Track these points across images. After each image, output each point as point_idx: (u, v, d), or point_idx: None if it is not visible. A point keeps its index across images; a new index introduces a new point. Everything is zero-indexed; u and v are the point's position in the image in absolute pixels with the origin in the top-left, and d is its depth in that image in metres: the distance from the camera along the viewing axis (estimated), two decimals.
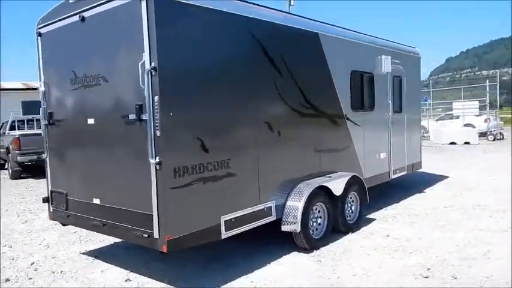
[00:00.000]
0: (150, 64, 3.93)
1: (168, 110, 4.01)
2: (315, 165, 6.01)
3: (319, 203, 5.75)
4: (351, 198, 6.49)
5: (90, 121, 4.77)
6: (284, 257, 5.40)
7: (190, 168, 4.24)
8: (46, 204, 5.64)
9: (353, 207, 6.49)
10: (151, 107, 3.97)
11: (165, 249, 4.07)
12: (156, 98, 3.94)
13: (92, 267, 5.33)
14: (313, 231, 5.68)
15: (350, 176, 6.33)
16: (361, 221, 6.66)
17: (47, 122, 5.39)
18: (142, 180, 4.14)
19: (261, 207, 5.10)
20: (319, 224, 5.81)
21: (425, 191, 9.23)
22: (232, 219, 4.72)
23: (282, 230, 5.38)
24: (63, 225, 5.62)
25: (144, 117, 4.06)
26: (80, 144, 4.99)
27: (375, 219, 6.99)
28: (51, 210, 5.53)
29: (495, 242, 5.68)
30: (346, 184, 6.16)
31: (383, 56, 7.57)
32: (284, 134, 5.43)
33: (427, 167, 12.24)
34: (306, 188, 5.50)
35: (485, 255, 5.26)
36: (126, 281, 4.86)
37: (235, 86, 4.75)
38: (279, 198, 5.38)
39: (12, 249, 6.21)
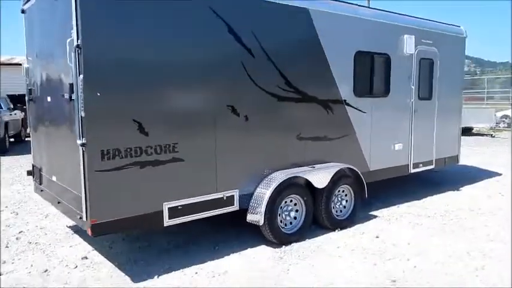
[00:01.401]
0: (77, 42, 3.79)
1: (94, 90, 3.85)
2: (297, 155, 5.53)
3: (295, 195, 5.29)
4: (342, 191, 5.90)
5: (48, 98, 4.81)
6: (249, 249, 5.08)
7: (124, 151, 4.08)
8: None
9: (344, 202, 5.90)
10: (77, 87, 3.85)
11: (90, 233, 3.99)
12: (81, 77, 3.80)
13: (65, 241, 5.48)
14: (285, 224, 5.26)
15: (340, 168, 5.73)
16: (357, 218, 6.04)
17: (28, 98, 5.57)
18: (75, 161, 4.07)
19: (218, 195, 4.80)
20: (295, 218, 5.36)
21: (461, 188, 8.15)
22: (179, 207, 4.50)
23: (247, 220, 5.05)
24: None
25: (73, 96, 3.96)
26: (44, 121, 5.08)
27: (377, 217, 6.32)
28: (34, 183, 5.77)
29: (496, 257, 4.81)
30: (333, 176, 5.59)
31: (405, 36, 6.68)
32: (254, 119, 5.02)
33: (483, 162, 10.91)
34: (277, 178, 5.08)
35: (475, 271, 4.46)
36: (82, 258, 4.90)
37: (185, 66, 4.43)
38: (246, 187, 5.03)
39: (15, 216, 6.63)
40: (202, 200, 4.67)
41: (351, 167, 5.91)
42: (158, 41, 4.22)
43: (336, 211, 5.83)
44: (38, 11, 4.95)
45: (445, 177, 9.15)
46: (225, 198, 4.86)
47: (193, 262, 4.72)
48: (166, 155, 4.37)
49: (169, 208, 4.43)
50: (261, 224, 4.95)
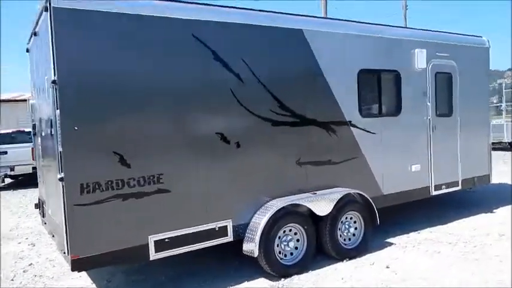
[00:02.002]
0: (53, 77, 3.83)
1: (71, 124, 3.86)
2: (297, 181, 5.27)
3: (294, 224, 5.02)
4: (351, 218, 5.55)
5: (43, 133, 4.90)
6: (246, 282, 4.84)
7: (104, 184, 4.03)
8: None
9: (352, 230, 5.52)
10: (55, 121, 3.87)
11: (71, 268, 3.94)
12: (57, 112, 3.83)
13: (68, 274, 5.48)
14: (285, 255, 4.99)
15: (345, 193, 5.41)
16: (369, 246, 5.64)
17: (32, 133, 5.74)
18: (59, 196, 4.07)
19: (210, 226, 4.63)
20: (296, 248, 5.07)
21: (494, 210, 7.48)
22: (166, 239, 4.37)
23: (243, 251, 4.83)
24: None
25: (53, 131, 3.98)
26: (42, 155, 5.18)
27: (392, 244, 5.87)
28: (40, 216, 5.87)
29: None
30: (338, 202, 5.27)
31: (416, 50, 6.33)
32: (246, 145, 4.86)
33: None
34: (273, 206, 4.84)
35: None
36: None
37: (168, 95, 4.37)
38: (241, 216, 4.83)
39: (31, 248, 6.77)
40: (192, 231, 4.52)
41: (359, 191, 5.56)
42: (139, 71, 4.20)
43: (344, 239, 5.47)
44: (35, 49, 5.12)
45: (479, 197, 8.47)
46: (217, 228, 4.68)
47: None
48: (151, 186, 4.28)
49: (155, 241, 4.30)
50: (255, 255, 4.71)
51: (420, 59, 6.33)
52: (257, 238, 4.69)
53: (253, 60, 4.87)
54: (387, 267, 5.07)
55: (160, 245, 4.33)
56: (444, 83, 6.86)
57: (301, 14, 5.42)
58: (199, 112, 4.56)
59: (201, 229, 4.57)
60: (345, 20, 5.82)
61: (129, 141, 4.15)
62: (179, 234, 4.44)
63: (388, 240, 6.07)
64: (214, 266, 5.32)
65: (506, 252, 5.40)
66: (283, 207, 4.88)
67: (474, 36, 7.45)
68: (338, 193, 5.34)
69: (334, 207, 5.25)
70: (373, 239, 6.01)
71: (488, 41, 7.50)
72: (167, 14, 4.33)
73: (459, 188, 7.07)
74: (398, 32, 6.32)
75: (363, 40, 5.85)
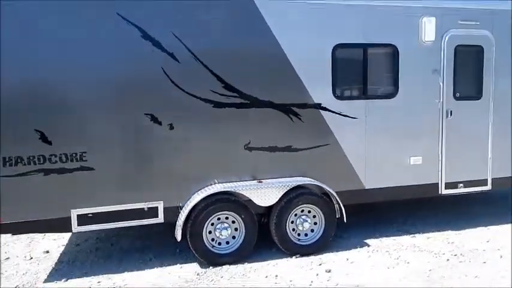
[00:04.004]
0: None
1: None
2: (245, 167, 4.92)
3: (230, 212, 4.76)
4: (309, 212, 5.02)
5: None
6: (178, 265, 4.82)
7: (26, 159, 4.35)
8: None
9: (307, 225, 4.98)
10: None
11: None
12: None
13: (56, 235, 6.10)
14: (219, 243, 4.79)
15: (299, 183, 4.90)
16: (328, 244, 5.06)
17: None
18: None
19: (138, 206, 4.67)
20: (234, 237, 4.82)
21: None
22: (89, 214, 4.55)
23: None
24: None
25: None
26: None
27: (365, 246, 5.17)
28: None
29: None
30: (287, 193, 4.82)
31: (424, 19, 5.23)
32: (181, 127, 4.69)
33: None
34: (202, 193, 4.66)
35: None
36: (44, 252, 5.38)
37: (92, 76, 4.42)
38: (174, 199, 4.75)
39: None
40: (118, 209, 4.62)
41: (317, 183, 4.97)
42: (62, 48, 4.31)
43: (299, 234, 5.00)
44: None
45: None
46: (146, 209, 4.70)
47: (113, 270, 4.74)
48: (73, 163, 4.47)
49: (78, 215, 4.53)
50: (178, 240, 4.63)
51: (428, 29, 5.21)
52: (180, 223, 4.60)
53: (190, 37, 4.60)
54: (328, 271, 4.51)
55: (83, 219, 4.54)
56: (471, 58, 5.55)
57: None
58: (124, 92, 4.54)
59: (128, 208, 4.64)
60: None
61: (50, 120, 4.37)
62: (104, 210, 4.59)
63: (367, 240, 5.35)
64: (169, 244, 5.34)
65: (482, 271, 4.33)
66: (214, 194, 4.66)
67: None
68: (289, 183, 4.87)
69: (281, 199, 4.82)
70: (350, 236, 5.42)
71: None
72: None
73: (488, 188, 5.78)
74: None
75: (340, 10, 5.04)
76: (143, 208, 4.69)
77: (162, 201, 4.73)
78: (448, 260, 4.71)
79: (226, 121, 4.83)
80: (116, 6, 4.42)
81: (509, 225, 5.77)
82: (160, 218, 4.76)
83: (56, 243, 5.64)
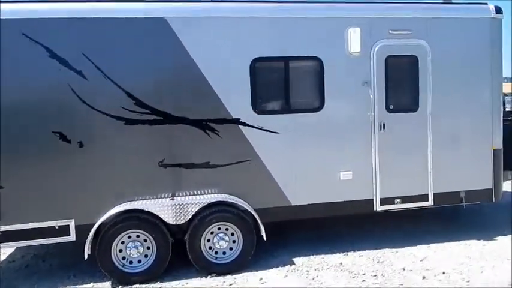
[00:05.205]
0: None
1: None
2: (160, 184, 4.84)
3: (141, 231, 4.68)
4: (226, 230, 4.88)
5: None
6: (91, 283, 4.77)
7: None
8: None
9: (224, 243, 4.84)
10: None
11: None
12: None
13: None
14: (131, 262, 4.72)
15: (215, 200, 4.79)
16: (247, 262, 4.91)
17: None
18: None
19: (49, 224, 4.66)
20: (146, 256, 4.74)
21: (496, 238, 5.60)
22: None
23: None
24: None
25: None
26: None
27: (287, 265, 4.98)
28: None
29: None
30: (201, 210, 4.71)
31: (350, 30, 5.04)
32: (91, 145, 4.67)
33: None
34: (112, 210, 4.61)
35: None
36: None
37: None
38: (86, 218, 4.70)
39: None
40: (27, 227, 4.62)
41: (234, 199, 4.84)
42: None
43: (216, 252, 4.87)
44: None
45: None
46: (57, 227, 4.69)
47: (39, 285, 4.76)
48: None
49: None
50: (85, 258, 4.58)
51: (353, 41, 5.02)
52: (87, 241, 4.56)
53: (98, 55, 4.60)
54: None
55: None
56: (404, 69, 5.32)
57: (166, 0, 4.84)
58: (32, 110, 4.55)
59: (38, 226, 4.64)
60: (229, 1, 4.97)
61: None
62: (14, 229, 4.60)
63: (296, 258, 5.17)
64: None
65: None
66: (123, 212, 4.61)
67: (470, 3, 5.52)
68: (200, 201, 4.76)
69: (194, 216, 4.72)
70: (280, 254, 5.27)
71: (497, 9, 5.44)
72: None
73: (430, 203, 5.49)
74: (318, 8, 5.09)
75: (256, 23, 4.93)
76: (54, 226, 4.68)
77: (73, 220, 4.71)
78: (363, 281, 4.48)
79: (139, 138, 4.78)
80: (22, 26, 4.46)
81: (453, 243, 5.46)
82: (72, 236, 4.73)
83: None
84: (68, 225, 4.71)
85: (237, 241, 4.91)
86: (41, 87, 4.56)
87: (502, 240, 5.48)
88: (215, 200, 4.81)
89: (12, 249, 5.86)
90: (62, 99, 4.60)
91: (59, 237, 4.72)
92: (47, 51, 4.52)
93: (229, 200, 4.86)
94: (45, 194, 4.64)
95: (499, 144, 5.63)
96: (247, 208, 4.85)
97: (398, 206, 5.40)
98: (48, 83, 4.57)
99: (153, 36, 4.74)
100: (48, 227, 4.67)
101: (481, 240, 5.49)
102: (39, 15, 4.49)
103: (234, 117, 4.94)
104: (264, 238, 4.89)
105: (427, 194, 5.47)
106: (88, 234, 4.65)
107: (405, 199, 5.40)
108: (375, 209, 5.36)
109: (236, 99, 4.93)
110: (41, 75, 4.55)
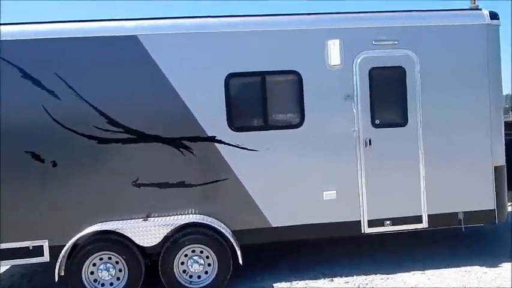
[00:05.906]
0: None
1: None
2: (134, 204, 4.73)
3: (112, 252, 4.56)
4: (201, 252, 4.69)
5: None
6: None
7: None
8: None
9: (198, 267, 4.64)
10: None
11: None
12: None
13: None
14: (102, 284, 4.60)
15: (188, 222, 4.61)
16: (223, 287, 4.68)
17: None
18: None
19: (22, 244, 4.64)
20: (118, 279, 4.61)
21: (501, 264, 5.10)
22: None
23: None
24: None
25: None
26: None
27: None
28: None
29: None
30: (172, 232, 4.56)
31: (329, 42, 4.84)
32: (65, 164, 4.64)
33: None
34: (83, 231, 4.53)
35: None
36: None
37: None
38: (60, 238, 4.64)
39: None
40: (0, 248, 4.61)
41: (209, 221, 4.65)
42: None
43: (191, 276, 4.68)
44: None
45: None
46: (31, 247, 4.65)
47: None
48: None
49: None
50: (56, 280, 4.50)
51: (333, 53, 4.80)
52: (58, 263, 4.49)
53: (71, 75, 4.61)
54: None
55: None
56: (390, 81, 5.03)
57: (137, 18, 4.81)
58: (5, 130, 4.56)
59: (11, 246, 4.62)
60: (201, 17, 4.89)
61: None
62: None
63: (278, 284, 4.89)
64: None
65: None
66: (98, 232, 4.53)
67: (462, 10, 5.19)
68: (171, 222, 4.60)
69: (166, 238, 4.56)
70: (263, 279, 5.02)
71: (492, 15, 5.08)
72: None
73: (424, 225, 5.09)
74: (295, 20, 4.92)
75: (229, 38, 4.81)
76: (28, 247, 4.65)
77: (47, 240, 4.66)
78: None
79: (112, 157, 4.72)
80: None
81: (451, 269, 5.02)
82: (46, 257, 4.68)
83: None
84: (42, 245, 4.66)
85: (212, 264, 4.71)
86: (14, 107, 4.60)
87: (506, 267, 4.98)
88: (188, 221, 4.65)
89: (6, 267, 5.89)
90: (34, 118, 4.62)
91: (33, 258, 4.68)
92: (20, 72, 4.58)
93: (203, 221, 4.67)
94: (19, 214, 4.63)
95: (501, 160, 5.19)
96: (222, 230, 4.64)
97: (388, 228, 5.04)
98: (21, 102, 4.60)
99: (125, 54, 4.71)
100: (22, 247, 4.64)
101: (483, 267, 5.01)
102: (11, 37, 4.56)
103: (209, 134, 4.80)
104: (240, 262, 4.65)
105: (421, 216, 5.08)
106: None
107: (396, 221, 5.04)
108: (362, 231, 5.03)
109: (211, 116, 4.80)
110: (13, 95, 4.59)
